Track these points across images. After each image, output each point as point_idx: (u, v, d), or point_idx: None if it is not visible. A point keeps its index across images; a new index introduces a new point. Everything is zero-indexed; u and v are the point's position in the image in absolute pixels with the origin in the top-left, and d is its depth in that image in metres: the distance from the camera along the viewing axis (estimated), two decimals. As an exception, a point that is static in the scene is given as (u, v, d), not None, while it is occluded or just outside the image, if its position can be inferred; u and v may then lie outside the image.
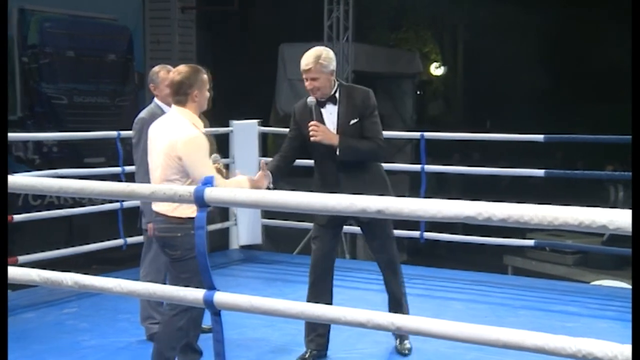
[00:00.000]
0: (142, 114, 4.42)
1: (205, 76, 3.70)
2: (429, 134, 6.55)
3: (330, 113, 4.06)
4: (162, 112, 4.35)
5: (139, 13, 12.61)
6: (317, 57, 3.99)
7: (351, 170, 4.11)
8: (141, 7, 12.66)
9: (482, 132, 6.94)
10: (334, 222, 4.21)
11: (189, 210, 3.52)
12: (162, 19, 12.91)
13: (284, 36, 12.63)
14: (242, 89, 14.50)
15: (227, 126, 7.02)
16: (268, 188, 4.01)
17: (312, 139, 4.01)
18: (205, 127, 3.85)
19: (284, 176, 4.27)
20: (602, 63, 14.75)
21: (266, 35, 14.06)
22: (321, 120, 4.05)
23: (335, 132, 4.04)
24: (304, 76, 4.01)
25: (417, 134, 6.64)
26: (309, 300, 4.16)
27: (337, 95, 4.06)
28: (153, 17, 12.89)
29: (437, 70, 17.40)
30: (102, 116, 10.97)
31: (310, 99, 4.08)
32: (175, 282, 3.56)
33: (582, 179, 9.20)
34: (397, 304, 4.37)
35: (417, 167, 6.56)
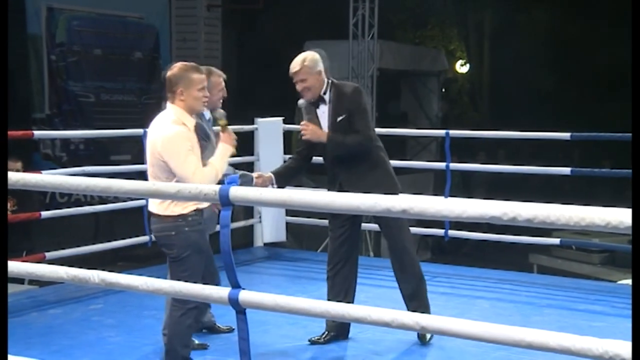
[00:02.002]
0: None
1: (196, 76, 3.60)
2: (454, 132, 6.52)
3: (323, 112, 4.33)
4: (202, 114, 4.38)
5: (165, 11, 12.68)
6: (302, 60, 4.28)
7: (351, 168, 4.31)
8: (167, 5, 12.73)
9: (508, 130, 6.88)
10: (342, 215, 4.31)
11: (180, 208, 3.56)
12: (188, 17, 12.96)
13: (309, 34, 12.62)
14: (267, 86, 14.54)
15: (252, 124, 7.04)
16: (272, 185, 4.28)
17: (303, 137, 4.27)
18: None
19: (295, 175, 4.54)
20: (627, 62, 14.57)
21: (291, 33, 14.06)
22: (317, 120, 4.32)
23: (326, 130, 4.28)
24: (294, 80, 4.29)
25: (442, 132, 6.62)
26: (328, 293, 4.40)
27: (326, 95, 4.32)
28: (179, 15, 12.95)
29: (462, 67, 17.28)
30: (128, 114, 11.05)
31: (301, 102, 4.36)
32: (175, 279, 3.59)
33: (610, 177, 9.10)
34: (410, 299, 4.44)
35: (442, 165, 6.54)
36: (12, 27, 11.87)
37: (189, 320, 3.64)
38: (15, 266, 3.09)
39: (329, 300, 4.33)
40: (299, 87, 4.30)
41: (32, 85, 10.40)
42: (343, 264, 4.43)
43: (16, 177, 3.13)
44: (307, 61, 4.27)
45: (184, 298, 3.22)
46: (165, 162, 3.52)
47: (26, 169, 6.93)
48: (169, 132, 3.54)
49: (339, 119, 4.27)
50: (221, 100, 4.48)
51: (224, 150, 3.70)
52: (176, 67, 3.65)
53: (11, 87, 11.03)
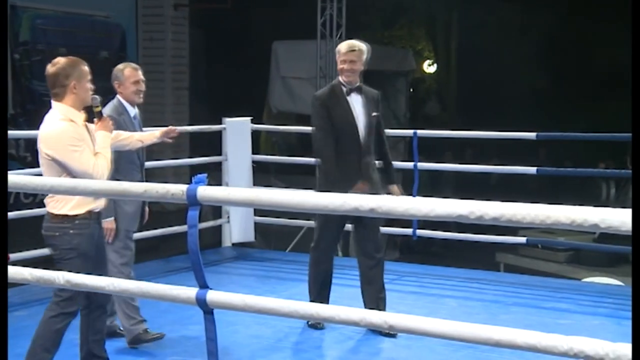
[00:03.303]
0: (110, 111, 4.32)
1: (85, 68, 3.55)
2: (421, 132, 6.56)
3: (356, 101, 4.53)
4: (125, 110, 4.39)
5: (132, 10, 12.57)
6: (360, 44, 4.53)
7: (370, 164, 4.56)
8: (134, 4, 12.62)
9: (475, 130, 6.94)
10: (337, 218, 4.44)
11: (66, 209, 3.49)
12: (155, 16, 12.86)
13: (277, 34, 12.62)
14: (235, 86, 14.49)
15: (220, 123, 7.01)
16: None
17: None
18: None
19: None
20: (599, 61, 14.81)
21: (259, 32, 14.04)
22: (347, 105, 4.49)
23: (362, 117, 4.51)
24: (344, 58, 4.45)
25: (410, 132, 6.66)
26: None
27: (361, 87, 4.57)
28: (146, 14, 12.85)
29: (430, 67, 17.41)
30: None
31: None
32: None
33: (574, 176, 9.23)
34: (380, 299, 4.55)
35: (409, 164, 6.57)
36: (-26, 25, 11.65)
37: (59, 324, 3.50)
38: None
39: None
40: (346, 65, 4.45)
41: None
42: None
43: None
44: (363, 47, 4.51)
45: (151, 299, 3.17)
46: (56, 161, 3.43)
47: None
48: (56, 130, 3.46)
49: (374, 114, 4.56)
50: (138, 94, 4.43)
51: (104, 138, 3.58)
52: (63, 62, 3.53)
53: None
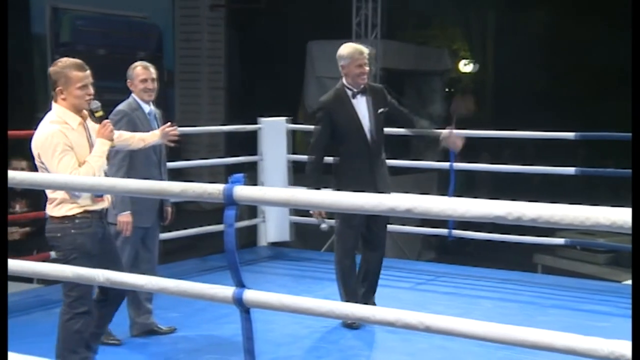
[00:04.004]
0: (122, 106, 4.42)
1: (74, 73, 3.48)
2: (458, 132, 6.50)
3: (360, 102, 4.60)
4: (139, 107, 4.42)
5: (169, 11, 12.71)
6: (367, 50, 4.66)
7: (381, 164, 4.64)
8: (171, 5, 12.76)
9: (512, 130, 6.86)
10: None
11: (65, 210, 3.48)
12: (192, 16, 12.99)
13: (312, 34, 12.63)
14: (270, 86, 14.54)
15: (256, 123, 7.04)
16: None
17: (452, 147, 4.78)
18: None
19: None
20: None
21: (294, 32, 14.06)
22: (354, 108, 4.58)
23: (368, 119, 4.58)
24: (360, 62, 4.56)
25: (445, 132, 6.60)
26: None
27: (366, 87, 4.66)
28: (183, 14, 12.98)
29: (466, 67, 17.27)
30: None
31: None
32: (64, 285, 3.51)
33: (614, 177, 9.09)
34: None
35: (445, 164, 6.53)
36: (16, 27, 11.98)
37: (77, 325, 3.50)
38: (22, 265, 3.10)
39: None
40: (363, 69, 4.58)
41: (36, 85, 10.42)
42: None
43: (21, 176, 3.14)
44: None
45: (189, 297, 3.19)
46: (42, 163, 3.43)
47: (32, 168, 6.94)
48: (43, 132, 3.44)
49: (380, 110, 4.62)
50: (147, 92, 4.45)
51: (100, 146, 3.55)
52: (56, 64, 3.53)
53: (16, 87, 11.06)
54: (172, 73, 12.81)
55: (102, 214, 3.65)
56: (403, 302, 5.14)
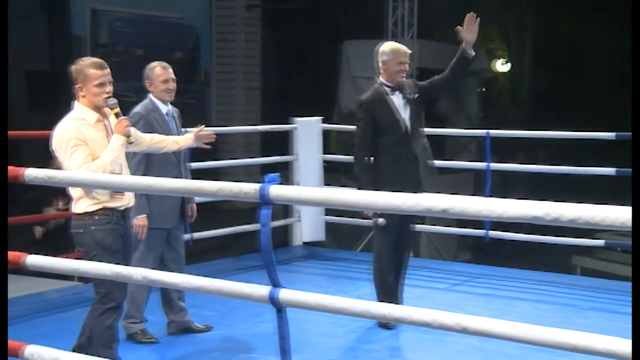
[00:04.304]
0: (138, 108, 4.41)
1: (92, 71, 3.55)
2: (494, 132, 6.46)
3: (396, 98, 4.74)
4: (156, 108, 4.41)
5: (205, 12, 12.80)
6: None
7: (422, 149, 4.78)
8: (208, 6, 12.84)
9: (549, 130, 6.78)
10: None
11: (85, 206, 3.53)
12: (228, 17, 13.06)
13: (348, 33, 12.63)
14: (305, 86, 14.56)
15: (291, 123, 7.06)
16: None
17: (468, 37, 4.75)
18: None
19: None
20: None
21: (330, 32, 14.07)
22: (392, 103, 4.71)
23: (405, 110, 4.72)
24: (402, 60, 4.70)
25: (482, 132, 6.56)
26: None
27: (400, 85, 4.79)
28: (219, 15, 13.05)
29: (503, 66, 17.11)
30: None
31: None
32: (94, 282, 3.58)
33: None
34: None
35: (482, 165, 6.48)
36: (57, 29, 12.14)
37: (109, 320, 3.56)
38: (61, 263, 3.15)
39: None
40: (403, 67, 4.71)
41: (75, 86, 10.56)
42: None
43: (59, 175, 3.18)
44: None
45: (225, 296, 3.20)
46: (58, 158, 3.53)
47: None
48: (59, 128, 3.52)
49: (414, 96, 4.77)
50: (168, 92, 4.46)
51: (115, 141, 3.60)
52: (77, 63, 3.60)
53: (55, 87, 11.23)
54: (208, 73, 12.90)
55: (125, 213, 3.69)
56: (438, 303, 5.11)
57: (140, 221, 4.27)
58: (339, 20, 14.31)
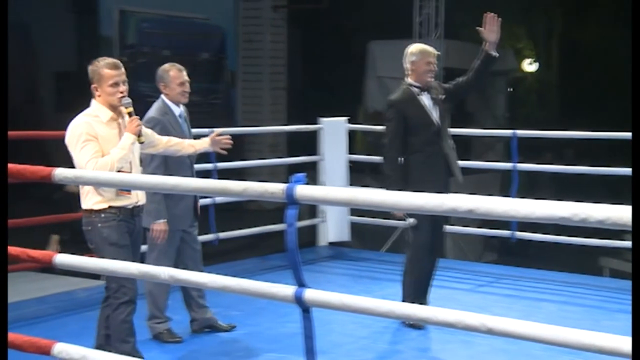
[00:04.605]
0: (153, 112, 4.40)
1: (106, 71, 3.61)
2: (521, 132, 6.42)
3: (425, 98, 4.78)
4: (170, 110, 4.41)
5: (231, 12, 12.85)
6: None
7: (451, 148, 4.79)
8: (234, 7, 12.90)
9: (577, 130, 6.71)
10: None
11: (92, 203, 3.57)
12: (254, 17, 13.10)
13: (374, 33, 12.61)
14: (331, 86, 14.56)
15: (317, 123, 7.07)
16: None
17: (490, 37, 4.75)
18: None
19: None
20: None
21: (356, 32, 14.06)
22: (422, 103, 4.74)
23: (434, 110, 4.76)
24: (431, 60, 4.73)
25: (509, 132, 6.52)
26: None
27: (428, 86, 4.81)
28: (245, 16, 13.10)
29: (530, 66, 16.98)
30: (195, 114, 11.21)
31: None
32: (106, 277, 3.62)
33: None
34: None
35: (508, 165, 6.44)
36: (85, 30, 12.25)
37: (123, 314, 3.59)
38: (89, 262, 3.18)
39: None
40: (432, 67, 4.74)
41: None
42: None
43: (88, 175, 3.21)
44: None
45: (250, 295, 3.22)
46: (70, 153, 3.57)
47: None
48: (72, 124, 3.59)
49: (441, 97, 4.80)
50: (184, 94, 4.46)
51: (125, 139, 3.64)
52: (93, 63, 3.66)
53: (83, 88, 11.35)
54: (234, 74, 12.95)
55: (134, 211, 3.71)
56: (463, 304, 5.09)
57: (160, 226, 4.28)
58: (365, 20, 14.30)
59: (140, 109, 4.31)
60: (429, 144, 4.73)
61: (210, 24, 12.30)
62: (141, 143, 3.75)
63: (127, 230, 3.68)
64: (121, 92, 3.64)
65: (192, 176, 4.47)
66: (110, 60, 3.68)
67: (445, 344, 4.44)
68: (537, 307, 5.24)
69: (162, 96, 4.46)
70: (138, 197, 3.72)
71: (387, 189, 4.33)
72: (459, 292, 5.64)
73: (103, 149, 3.56)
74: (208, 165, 6.16)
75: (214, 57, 12.04)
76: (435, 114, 4.76)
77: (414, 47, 4.80)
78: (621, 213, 2.04)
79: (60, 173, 3.03)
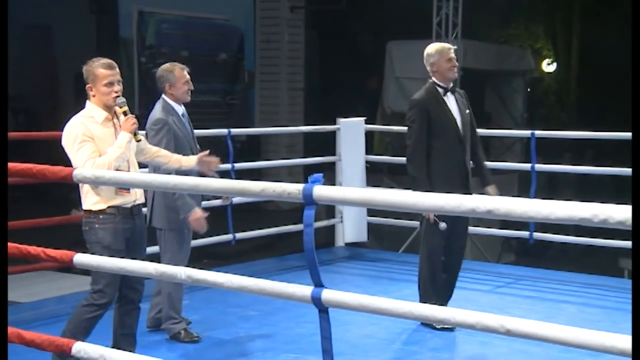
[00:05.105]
0: (159, 114, 4.38)
1: (101, 71, 3.61)
2: (539, 132, 6.38)
3: (450, 101, 4.67)
4: (173, 110, 4.41)
5: (250, 13, 12.88)
6: None
7: (469, 159, 4.73)
8: (252, 8, 12.92)
9: (596, 131, 6.66)
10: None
11: (90, 204, 3.57)
12: (272, 18, 13.12)
13: (392, 34, 12.58)
14: (349, 86, 14.55)
15: (334, 124, 7.06)
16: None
17: None
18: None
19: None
20: None
21: (374, 33, 14.05)
22: (447, 105, 4.63)
23: (459, 115, 4.65)
24: (451, 55, 4.65)
25: (527, 132, 6.49)
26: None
27: (454, 88, 4.73)
28: (263, 16, 13.12)
29: (549, 66, 16.87)
30: (213, 114, 11.26)
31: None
32: (92, 276, 3.59)
33: None
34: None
35: (527, 166, 6.41)
36: (105, 31, 12.32)
37: (89, 315, 3.57)
38: (107, 262, 3.20)
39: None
40: (453, 63, 4.65)
41: (123, 87, 10.72)
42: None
43: (107, 175, 3.23)
44: None
45: (268, 295, 3.22)
46: (67, 154, 3.58)
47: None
48: (68, 125, 3.60)
49: (467, 111, 4.72)
50: (188, 93, 4.47)
51: (121, 138, 3.64)
52: (87, 63, 3.66)
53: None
54: (252, 74, 12.98)
55: (133, 210, 3.70)
56: (482, 305, 5.06)
57: (196, 215, 4.24)
58: (383, 21, 14.27)
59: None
60: (450, 150, 4.61)
61: (229, 25, 12.33)
62: (137, 141, 3.75)
63: (125, 233, 3.66)
64: (116, 92, 3.65)
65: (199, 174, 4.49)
66: (104, 60, 3.68)
67: (463, 345, 4.42)
68: (557, 309, 5.20)
69: (164, 96, 4.45)
70: (137, 196, 3.72)
71: (414, 189, 4.29)
72: (477, 293, 5.62)
73: (99, 149, 3.57)
74: (226, 166, 6.19)
75: (232, 57, 12.06)
76: (459, 119, 4.66)
77: (431, 48, 4.73)
78: (642, 214, 2.02)
79: (79, 173, 3.04)
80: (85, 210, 3.63)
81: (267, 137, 12.47)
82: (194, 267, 3.02)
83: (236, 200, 6.09)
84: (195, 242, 6.27)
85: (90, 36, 12.08)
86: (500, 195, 4.55)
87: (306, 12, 13.51)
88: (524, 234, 6.42)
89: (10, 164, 3.18)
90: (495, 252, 11.35)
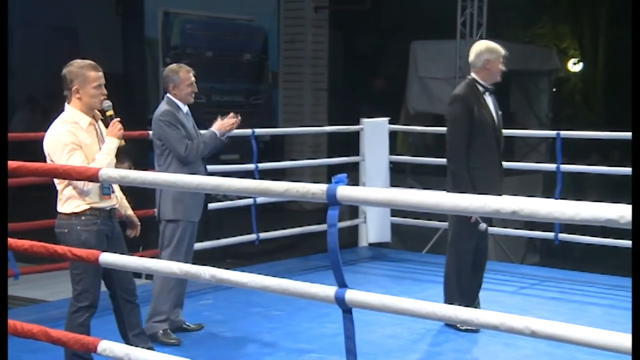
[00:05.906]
0: (166, 107, 4.47)
1: (91, 73, 3.54)
2: (565, 133, 6.33)
3: (489, 100, 4.60)
4: (179, 107, 4.45)
5: (274, 13, 12.89)
6: None
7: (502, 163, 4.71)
8: (276, 8, 12.94)
9: (623, 131, 6.59)
10: None
11: (73, 206, 3.53)
12: (296, 18, 13.13)
13: (416, 34, 12.54)
14: (373, 87, 14.52)
15: (358, 124, 7.06)
16: None
17: None
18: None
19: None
20: None
21: (398, 33, 14.01)
22: (487, 104, 4.57)
23: (496, 116, 4.59)
24: (503, 60, 4.61)
25: (552, 133, 6.44)
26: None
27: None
28: (287, 17, 13.13)
29: (575, 66, 16.72)
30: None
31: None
32: (72, 279, 3.56)
33: None
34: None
35: (552, 166, 6.36)
36: (130, 32, 12.40)
37: (81, 318, 3.56)
38: (131, 261, 3.23)
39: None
40: (503, 68, 4.60)
41: (148, 87, 10.80)
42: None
43: (132, 175, 3.26)
44: None
45: (291, 295, 3.22)
46: (52, 162, 3.50)
47: (140, 168, 7.20)
48: (53, 132, 3.53)
49: (500, 113, 4.67)
50: (192, 95, 4.50)
51: (109, 144, 3.60)
52: (72, 64, 3.58)
53: (129, 89, 11.51)
54: (276, 74, 13.00)
55: (111, 213, 3.71)
56: (506, 306, 5.03)
57: (215, 126, 4.50)
58: (407, 20, 14.23)
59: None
60: (488, 151, 4.51)
61: (253, 25, 12.36)
62: (123, 145, 3.74)
63: (105, 234, 3.66)
64: (103, 95, 3.62)
65: (205, 171, 4.55)
66: (90, 61, 3.63)
67: (487, 346, 4.40)
68: (582, 311, 5.16)
69: (169, 95, 4.51)
70: (117, 199, 3.75)
71: (458, 191, 4.22)
72: (502, 294, 5.59)
73: (86, 155, 3.55)
74: (250, 166, 6.21)
75: (256, 58, 12.08)
76: (497, 120, 4.58)
77: (490, 45, 4.59)
78: (669, 215, 2.00)
79: (105, 173, 3.08)
80: (64, 214, 3.58)
81: (290, 137, 12.48)
82: (218, 267, 3.04)
83: (260, 200, 6.12)
84: (219, 242, 6.34)
85: (116, 37, 12.19)
86: (524, 195, 4.53)
87: (330, 12, 13.50)
88: (549, 235, 6.38)
89: (37, 164, 3.22)
90: (520, 253, 11.27)
